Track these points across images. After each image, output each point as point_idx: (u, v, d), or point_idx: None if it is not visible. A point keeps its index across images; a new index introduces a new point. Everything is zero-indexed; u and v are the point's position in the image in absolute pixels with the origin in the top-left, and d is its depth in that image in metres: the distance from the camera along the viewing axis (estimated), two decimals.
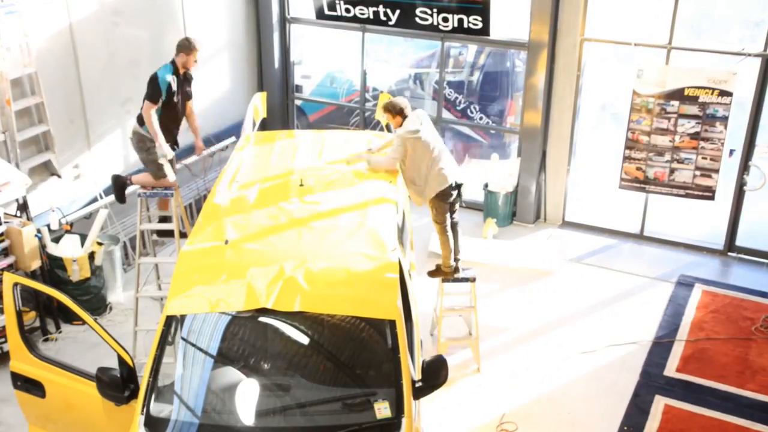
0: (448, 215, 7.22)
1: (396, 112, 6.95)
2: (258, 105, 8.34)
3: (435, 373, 5.31)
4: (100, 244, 8.25)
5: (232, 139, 10.57)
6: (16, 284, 5.52)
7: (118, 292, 8.74)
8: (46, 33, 8.10)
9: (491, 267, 9.32)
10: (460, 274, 7.48)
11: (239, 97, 11.34)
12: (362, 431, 4.93)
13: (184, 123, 7.66)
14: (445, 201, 7.11)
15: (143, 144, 7.32)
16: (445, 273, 7.47)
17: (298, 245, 5.79)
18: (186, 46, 7.17)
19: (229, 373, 5.22)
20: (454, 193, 7.13)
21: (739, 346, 7.86)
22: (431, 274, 7.62)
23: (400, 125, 6.96)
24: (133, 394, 5.19)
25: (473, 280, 7.48)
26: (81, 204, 8.79)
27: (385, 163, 6.83)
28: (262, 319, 5.29)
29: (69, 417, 5.65)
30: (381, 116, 7.55)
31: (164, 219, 7.99)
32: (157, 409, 5.05)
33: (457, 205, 7.30)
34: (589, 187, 10.79)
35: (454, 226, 7.35)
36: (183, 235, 7.62)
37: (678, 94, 9.02)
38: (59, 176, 8.41)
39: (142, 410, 5.02)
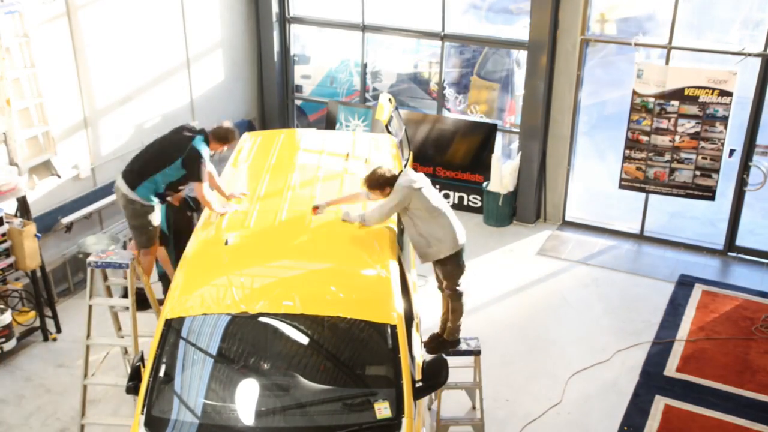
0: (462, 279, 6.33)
1: (385, 183, 5.98)
2: (384, 103, 8.31)
3: (435, 373, 5.32)
4: None
5: None
6: None
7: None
8: (46, 33, 8.10)
9: (490, 269, 9.34)
10: (462, 346, 6.58)
11: (239, 97, 11.35)
12: (362, 431, 4.93)
13: None
14: (460, 262, 6.22)
15: (144, 210, 6.64)
16: (452, 345, 6.52)
17: (298, 247, 5.80)
18: (227, 138, 6.80)
19: (230, 373, 5.22)
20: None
21: (739, 346, 7.86)
22: (431, 349, 6.53)
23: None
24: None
25: (478, 353, 6.59)
26: (81, 204, 8.79)
27: (378, 217, 5.96)
28: (262, 319, 5.29)
29: None
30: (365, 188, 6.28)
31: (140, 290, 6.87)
32: (158, 409, 5.05)
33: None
34: (589, 186, 10.81)
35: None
36: (144, 304, 6.72)
37: (678, 94, 9.01)
38: (59, 176, 8.42)
39: (142, 410, 5.03)
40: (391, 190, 5.97)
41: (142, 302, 6.75)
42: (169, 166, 6.53)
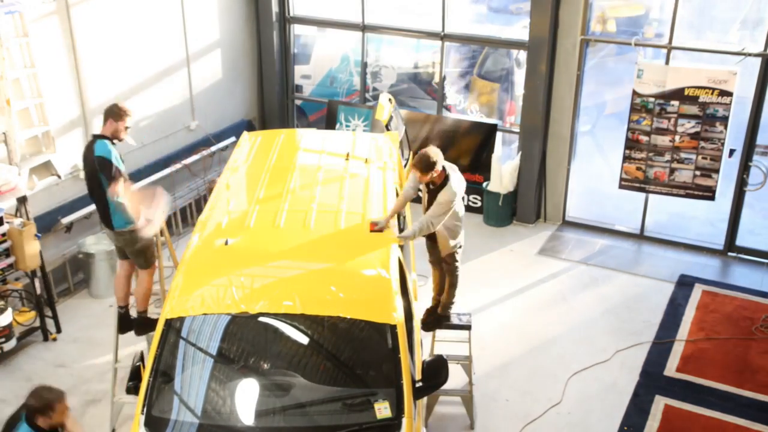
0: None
1: (432, 168, 6.31)
2: (384, 103, 8.31)
3: (435, 374, 5.32)
4: None
5: (232, 139, 10.57)
6: None
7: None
8: (45, 32, 8.10)
9: (490, 268, 9.35)
10: (455, 321, 6.97)
11: (238, 97, 11.35)
12: (362, 431, 4.93)
13: None
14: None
15: (132, 235, 6.42)
16: (447, 318, 6.95)
17: (298, 247, 5.80)
18: (116, 113, 6.38)
19: (230, 373, 5.22)
20: None
21: (739, 346, 7.86)
22: (427, 326, 6.97)
23: (438, 178, 6.40)
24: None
25: (469, 327, 6.91)
26: (81, 204, 8.79)
27: (434, 225, 6.41)
28: (262, 319, 5.30)
29: None
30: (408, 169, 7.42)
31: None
32: (158, 409, 5.05)
33: None
34: (589, 186, 10.80)
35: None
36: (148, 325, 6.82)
37: (678, 94, 9.01)
38: (59, 176, 8.42)
39: (143, 410, 5.03)
40: (438, 171, 6.34)
41: (145, 325, 6.77)
42: (102, 186, 6.26)
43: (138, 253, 6.59)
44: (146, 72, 9.51)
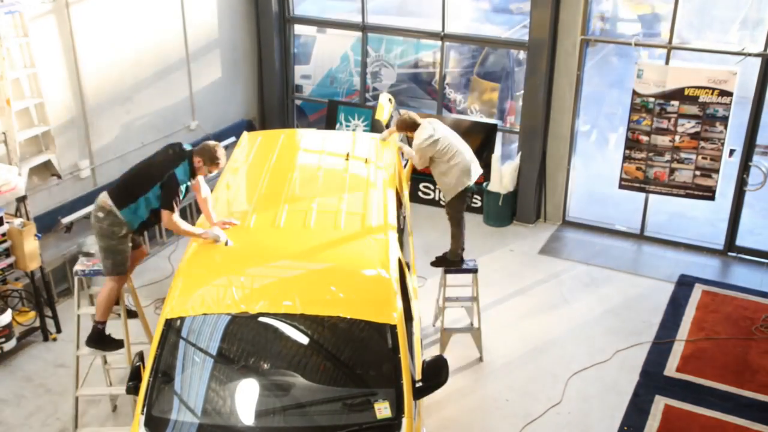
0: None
1: (409, 126, 7.34)
2: (384, 103, 8.30)
3: (435, 373, 5.32)
4: None
5: (232, 139, 10.57)
6: None
7: None
8: (46, 33, 8.10)
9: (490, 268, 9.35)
10: (463, 265, 7.67)
11: (238, 97, 11.35)
12: (362, 431, 4.93)
13: None
14: (464, 198, 7.50)
15: (117, 229, 6.00)
16: (452, 263, 7.62)
17: (298, 247, 5.80)
18: (212, 157, 6.09)
19: (230, 373, 5.22)
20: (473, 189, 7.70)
21: (739, 346, 7.86)
22: (436, 263, 7.74)
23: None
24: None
25: (476, 271, 7.60)
26: (81, 204, 8.78)
27: (414, 159, 7.39)
28: (262, 319, 5.30)
29: None
30: (387, 132, 7.86)
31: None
32: (157, 409, 5.05)
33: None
34: (589, 186, 10.80)
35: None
36: (133, 315, 6.58)
37: (678, 94, 9.01)
38: (59, 176, 8.42)
39: (143, 410, 5.03)
40: (413, 132, 7.29)
41: (104, 342, 6.40)
42: (150, 190, 6.02)
43: (110, 251, 6.09)
44: (146, 71, 9.51)
